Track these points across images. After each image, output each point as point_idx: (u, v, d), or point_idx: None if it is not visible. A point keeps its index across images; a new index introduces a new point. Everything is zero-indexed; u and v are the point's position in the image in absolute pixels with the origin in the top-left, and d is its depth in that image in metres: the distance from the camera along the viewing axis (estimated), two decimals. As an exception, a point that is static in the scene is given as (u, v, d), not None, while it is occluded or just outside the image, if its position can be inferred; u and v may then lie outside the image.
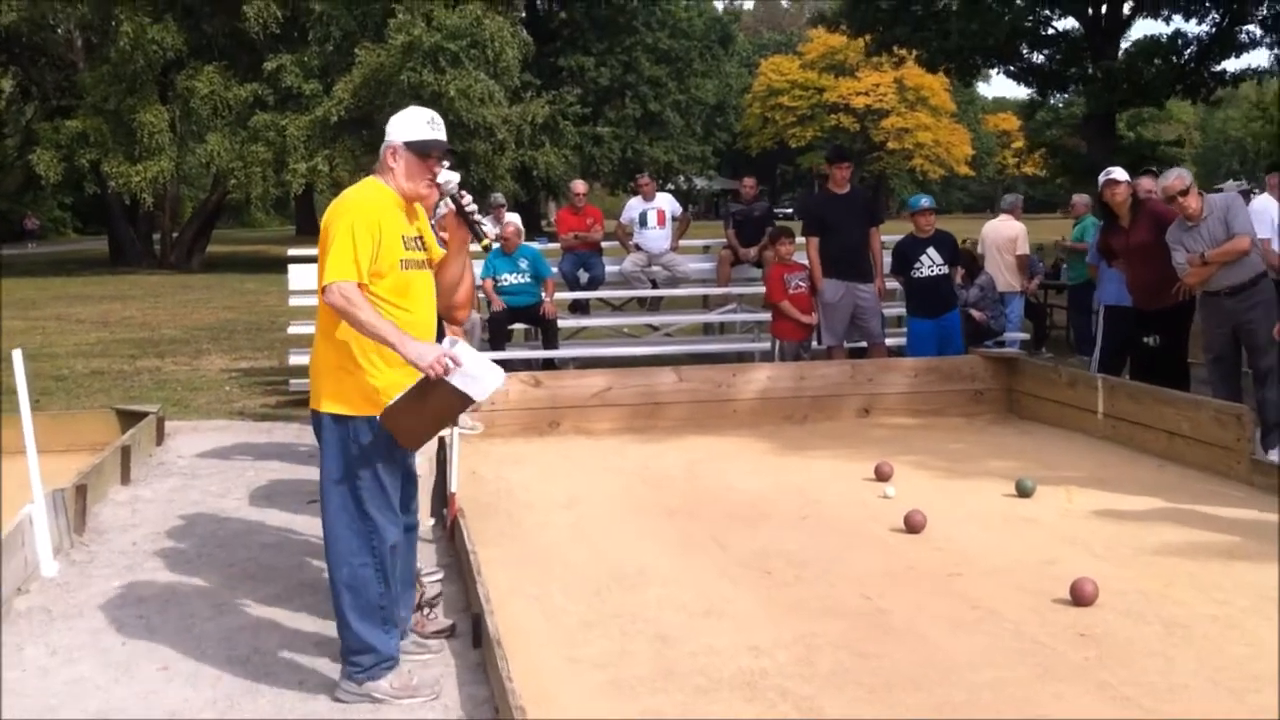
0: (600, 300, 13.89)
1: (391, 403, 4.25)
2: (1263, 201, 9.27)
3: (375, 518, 4.43)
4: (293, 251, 12.83)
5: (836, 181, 10.62)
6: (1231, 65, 28.63)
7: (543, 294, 11.41)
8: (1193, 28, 29.47)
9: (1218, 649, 4.68)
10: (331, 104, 28.73)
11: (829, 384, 9.57)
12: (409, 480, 4.78)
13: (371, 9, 29.43)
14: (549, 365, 11.41)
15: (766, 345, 11.56)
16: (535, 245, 12.82)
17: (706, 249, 14.66)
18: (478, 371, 4.23)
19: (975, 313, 11.32)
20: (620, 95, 50.59)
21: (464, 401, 4.32)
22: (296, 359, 11.03)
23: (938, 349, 10.08)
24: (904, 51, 30.72)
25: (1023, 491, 7.05)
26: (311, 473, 8.09)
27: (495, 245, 10.81)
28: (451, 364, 4.17)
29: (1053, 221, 49.27)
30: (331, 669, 4.68)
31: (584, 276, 13.11)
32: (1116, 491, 7.10)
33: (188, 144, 30.21)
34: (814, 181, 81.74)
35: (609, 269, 13.25)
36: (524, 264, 11.36)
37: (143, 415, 8.82)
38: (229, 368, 13.27)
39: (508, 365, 10.81)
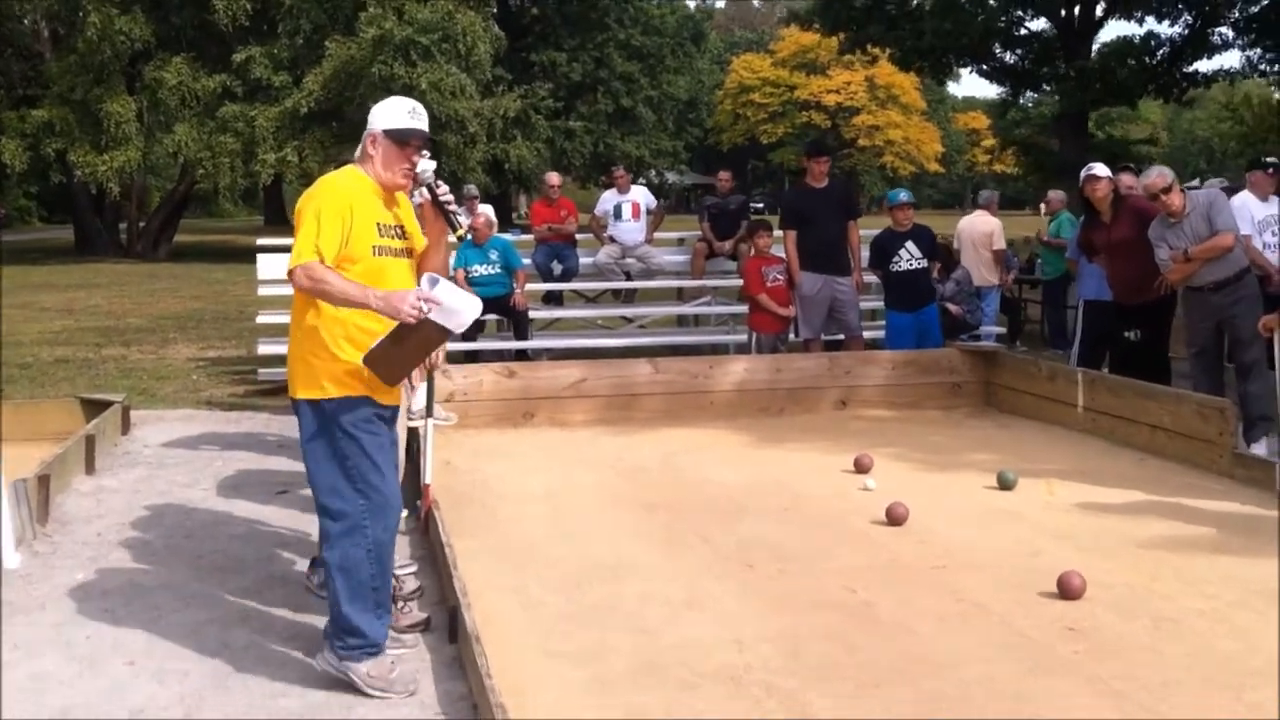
0: (574, 292, 13.75)
1: (370, 350, 4.21)
2: (1242, 198, 9.24)
3: (369, 496, 4.32)
4: (262, 241, 12.66)
5: (814, 175, 10.53)
6: (1204, 66, 28.72)
7: (514, 285, 11.27)
8: (1165, 29, 29.65)
9: (1207, 644, 4.60)
10: (301, 96, 28.47)
11: (806, 376, 9.48)
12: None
13: (342, 2, 29.19)
14: (521, 356, 11.27)
15: (741, 338, 11.46)
16: (508, 237, 12.70)
17: (681, 241, 14.54)
18: (456, 304, 4.16)
19: (951, 307, 11.26)
20: (592, 90, 50.41)
21: (443, 334, 4.29)
22: (265, 348, 10.86)
23: (916, 343, 9.99)
24: (877, 50, 30.73)
25: (1004, 484, 6.97)
26: (280, 463, 8.00)
27: (468, 236, 10.68)
28: (427, 306, 4.11)
29: (1022, 218, 49.46)
30: (303, 663, 4.55)
31: (557, 268, 12.98)
32: (1098, 484, 7.03)
33: (155, 134, 29.84)
34: (784, 177, 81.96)
35: (583, 261, 13.13)
36: (495, 255, 11.21)
37: (108, 404, 8.65)
38: (196, 357, 13.07)
39: (480, 356, 10.75)
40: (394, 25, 27.78)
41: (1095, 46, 28.85)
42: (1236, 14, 27.01)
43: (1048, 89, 31.41)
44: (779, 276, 10.21)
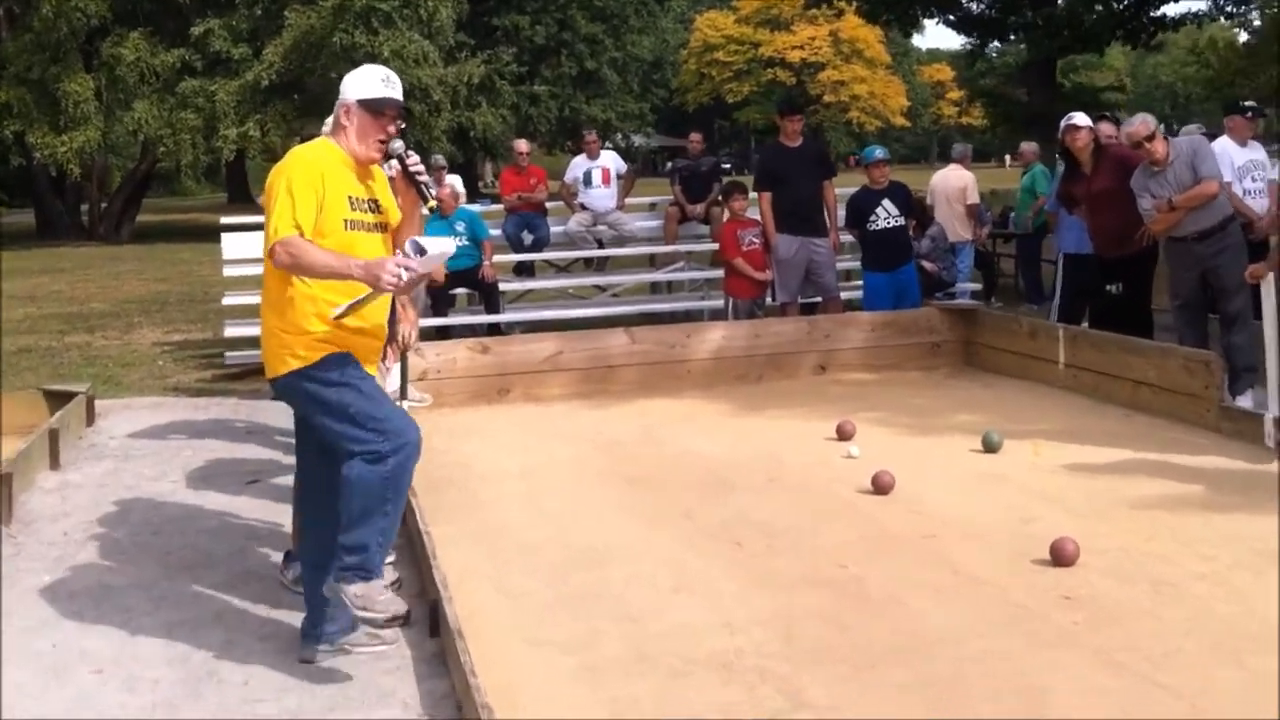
0: (545, 262, 13.56)
1: (340, 310, 4.13)
2: (1221, 144, 9.14)
3: (382, 430, 4.19)
4: (226, 220, 12.42)
5: (788, 134, 10.36)
6: (1171, 10, 28.66)
7: (482, 257, 11.07)
8: (1132, -28, 29.43)
9: (1208, 608, 4.49)
10: (261, 68, 28.03)
11: (784, 341, 9.33)
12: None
13: (301, -30, 28.78)
14: (494, 330, 11.10)
15: (715, 304, 11.31)
16: (475, 207, 12.50)
17: (653, 206, 14.36)
18: (433, 252, 4.14)
19: (927, 264, 11.10)
20: (556, 54, 49.85)
21: (421, 278, 4.25)
22: (232, 331, 10.66)
23: (894, 303, 9.86)
24: (843, 3, 30.45)
25: (989, 446, 6.85)
26: (251, 451, 7.82)
27: (436, 208, 10.49)
28: (406, 272, 4.03)
29: (990, 170, 49.34)
30: (280, 666, 4.39)
31: (528, 238, 12.79)
32: (1084, 443, 6.92)
33: (115, 112, 29.35)
34: (750, 136, 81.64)
35: (554, 229, 12.93)
36: (461, 227, 10.97)
37: (72, 395, 8.44)
38: (162, 341, 12.83)
39: (452, 331, 10.56)
40: (354, -8, 27.37)
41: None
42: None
43: (1015, 38, 31.21)
44: (754, 240, 10.05)
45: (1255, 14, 42.13)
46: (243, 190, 49.07)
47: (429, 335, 9.65)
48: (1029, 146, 15.04)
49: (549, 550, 5.45)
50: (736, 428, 7.78)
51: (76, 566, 5.60)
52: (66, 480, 7.11)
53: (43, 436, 7.32)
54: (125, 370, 11.00)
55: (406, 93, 4.81)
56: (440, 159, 13.86)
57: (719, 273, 11.13)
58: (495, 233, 12.25)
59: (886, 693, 3.91)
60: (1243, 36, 49.99)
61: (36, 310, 15.88)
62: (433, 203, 4.63)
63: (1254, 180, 9.22)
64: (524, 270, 13.21)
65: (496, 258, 11.46)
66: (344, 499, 4.21)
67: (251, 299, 10.56)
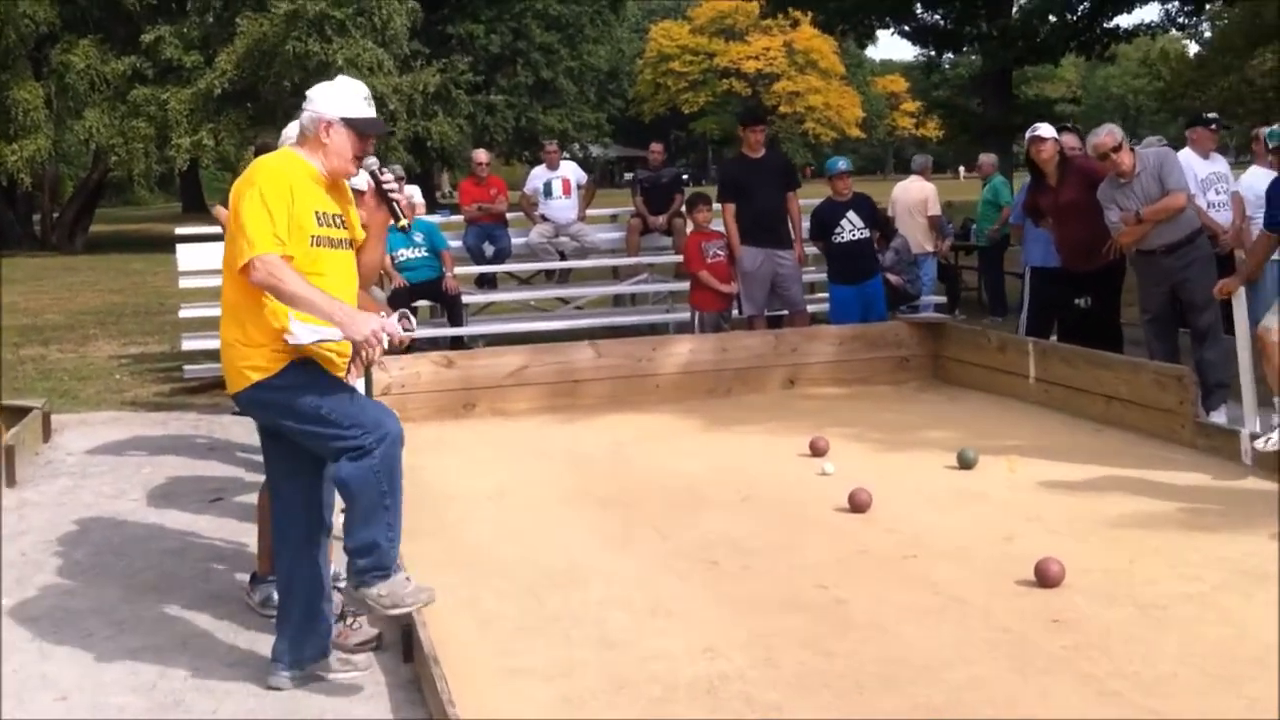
0: (507, 274, 13.42)
1: (301, 339, 4.06)
2: (1184, 156, 9.12)
3: (361, 424, 4.10)
4: (181, 230, 12.20)
5: (750, 145, 10.28)
6: (1124, 21, 28.82)
7: (443, 268, 10.93)
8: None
9: (1197, 632, 4.42)
10: (214, 76, 27.77)
11: (752, 355, 9.25)
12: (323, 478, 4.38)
13: (254, -24, 28.55)
14: (457, 343, 10.96)
15: (679, 316, 11.23)
16: (435, 218, 12.36)
17: (614, 218, 14.27)
18: (414, 329, 4.23)
19: (891, 276, 11.06)
20: (512, 63, 49.68)
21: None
22: (189, 344, 10.46)
23: (860, 316, 9.81)
24: (799, 13, 30.51)
25: (965, 463, 6.78)
26: (212, 467, 7.65)
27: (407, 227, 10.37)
28: (387, 338, 4.03)
29: (945, 182, 49.53)
30: (248, 692, 4.25)
31: (489, 249, 12.66)
32: (1059, 460, 6.86)
33: (65, 121, 28.99)
34: (707, 147, 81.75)
35: (515, 241, 12.81)
36: (420, 238, 10.84)
37: (27, 410, 8.24)
38: (118, 354, 12.61)
39: (414, 346, 10.39)
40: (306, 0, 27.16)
41: (1016, 4, 28.83)
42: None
43: (969, 49, 31.38)
44: (719, 252, 9.97)
45: (1206, 26, 42.66)
46: (197, 200, 48.61)
47: (391, 349, 9.47)
48: (987, 158, 15.03)
49: (521, 571, 5.33)
50: (707, 443, 7.69)
51: (35, 589, 5.44)
52: (23, 499, 6.93)
53: (-3, 454, 7.13)
54: (82, 384, 10.78)
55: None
56: (398, 169, 13.67)
57: (683, 285, 11.03)
58: (455, 244, 12.12)
59: (877, 720, 3.82)
60: (1193, 48, 50.56)
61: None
62: (404, 221, 4.58)
63: (1217, 193, 9.22)
64: (486, 282, 13.07)
65: (457, 270, 11.31)
66: (344, 503, 4.16)
67: (209, 311, 10.38)
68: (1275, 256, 7.55)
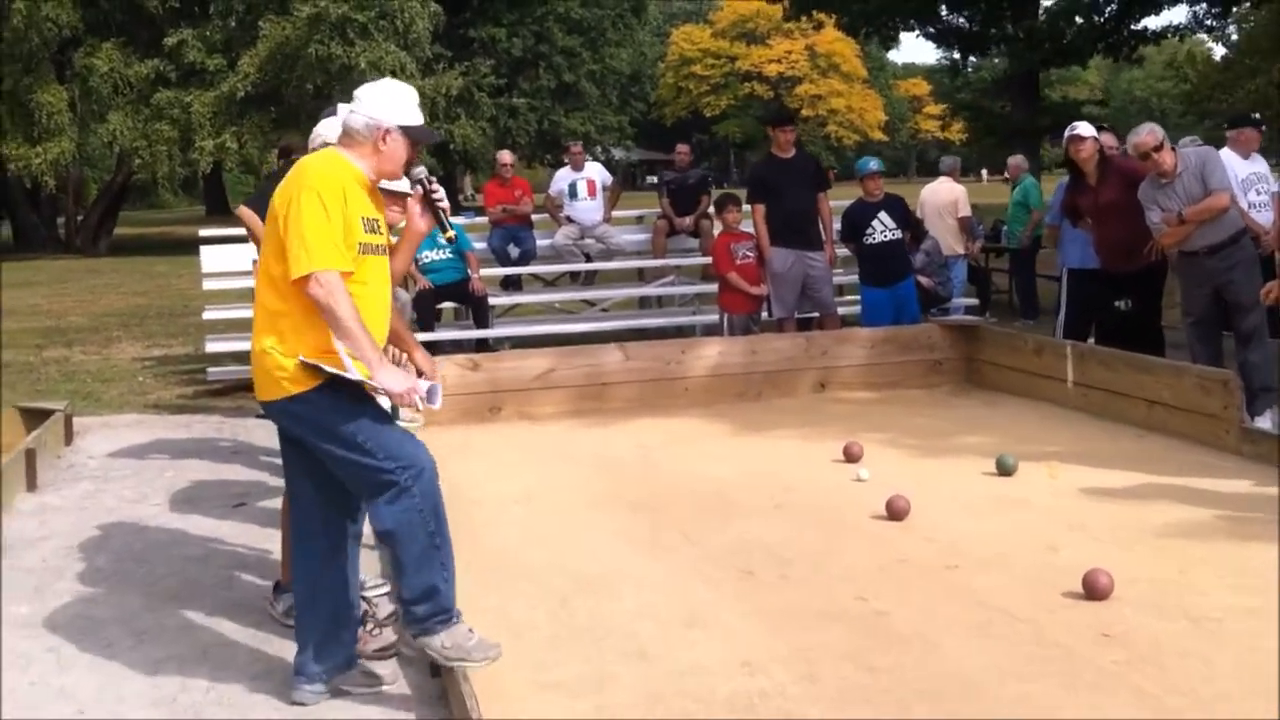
0: (532, 275, 13.29)
1: (343, 372, 3.93)
2: (1225, 155, 8.93)
3: (398, 459, 3.96)
4: (204, 232, 12.12)
5: (780, 145, 10.12)
6: (1152, 23, 28.59)
7: (469, 270, 10.81)
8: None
9: (1254, 647, 4.22)
10: (237, 79, 27.77)
11: (782, 358, 9.09)
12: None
13: (275, -20, 28.54)
14: (482, 345, 10.84)
15: (707, 319, 11.09)
16: (459, 220, 12.23)
17: (640, 219, 14.13)
18: (436, 402, 4.11)
19: (923, 279, 10.88)
20: (534, 66, 49.65)
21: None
22: (213, 346, 10.36)
23: (893, 318, 9.64)
24: (823, 16, 30.33)
25: (1004, 469, 6.60)
26: (235, 471, 7.53)
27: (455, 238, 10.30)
28: (420, 402, 3.95)
29: (968, 185, 49.17)
30: (271, 708, 4.12)
31: (515, 251, 12.54)
32: (1100, 466, 6.68)
33: (89, 124, 29.04)
34: (730, 150, 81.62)
35: (540, 243, 12.69)
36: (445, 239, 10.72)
37: (49, 413, 8.14)
38: (142, 356, 12.53)
39: (439, 346, 10.28)
40: (329, 3, 27.09)
41: (1043, 6, 28.60)
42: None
43: (995, 51, 31.17)
44: (749, 253, 9.81)
45: (1232, 28, 42.33)
46: (221, 203, 48.73)
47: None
48: (1017, 160, 14.86)
49: (549, 577, 5.19)
50: (737, 448, 7.54)
51: (55, 597, 5.33)
52: (45, 503, 6.83)
53: (19, 457, 7.04)
54: (105, 386, 10.70)
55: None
56: (422, 170, 13.57)
57: (710, 287, 10.89)
58: (480, 245, 12.01)
59: (924, 739, 3.67)
60: (1219, 51, 50.21)
61: (14, 324, 15.50)
62: (451, 233, 4.52)
63: (1258, 193, 9.04)
64: (511, 284, 12.95)
65: (482, 271, 11.19)
66: (394, 556, 4.04)
67: (232, 313, 10.30)
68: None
